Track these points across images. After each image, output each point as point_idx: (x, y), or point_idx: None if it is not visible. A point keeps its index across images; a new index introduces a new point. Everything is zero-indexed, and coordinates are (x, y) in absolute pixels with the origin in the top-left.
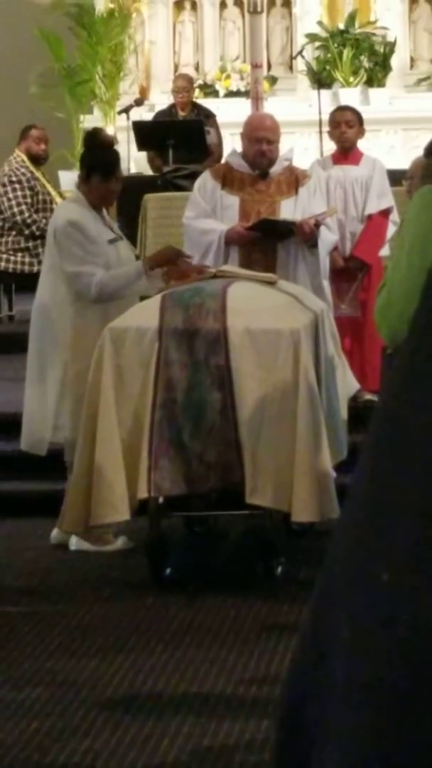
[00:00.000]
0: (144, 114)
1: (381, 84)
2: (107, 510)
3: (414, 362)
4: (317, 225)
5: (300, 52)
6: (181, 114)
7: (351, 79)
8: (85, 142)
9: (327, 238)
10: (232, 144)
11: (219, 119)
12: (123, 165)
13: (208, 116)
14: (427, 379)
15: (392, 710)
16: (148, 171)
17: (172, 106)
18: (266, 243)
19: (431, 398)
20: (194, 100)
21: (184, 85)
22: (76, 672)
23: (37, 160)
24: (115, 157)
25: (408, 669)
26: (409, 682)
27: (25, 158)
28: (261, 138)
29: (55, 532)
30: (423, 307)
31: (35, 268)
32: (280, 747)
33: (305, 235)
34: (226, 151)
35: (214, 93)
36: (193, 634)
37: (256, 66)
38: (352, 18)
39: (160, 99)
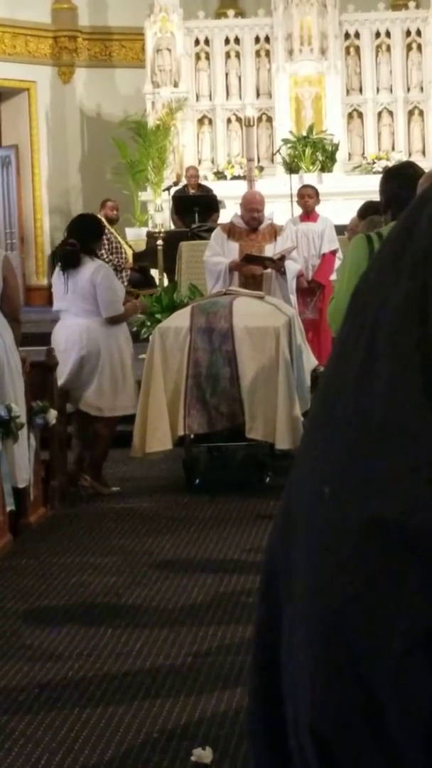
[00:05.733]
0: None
1: (330, 170)
2: (157, 442)
3: (338, 341)
4: (282, 258)
5: (278, 151)
6: (192, 191)
7: (311, 167)
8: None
9: (292, 267)
10: (235, 209)
11: (225, 194)
12: (166, 224)
13: (209, 192)
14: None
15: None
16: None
17: (185, 186)
18: (255, 273)
19: (346, 364)
20: (200, 182)
21: (193, 173)
22: (139, 545)
23: (111, 221)
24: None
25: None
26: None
27: (103, 220)
28: (252, 209)
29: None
30: (347, 311)
31: None
32: (258, 617)
33: (274, 265)
34: (223, 212)
35: (224, 177)
36: (213, 520)
37: (250, 160)
38: (311, 128)
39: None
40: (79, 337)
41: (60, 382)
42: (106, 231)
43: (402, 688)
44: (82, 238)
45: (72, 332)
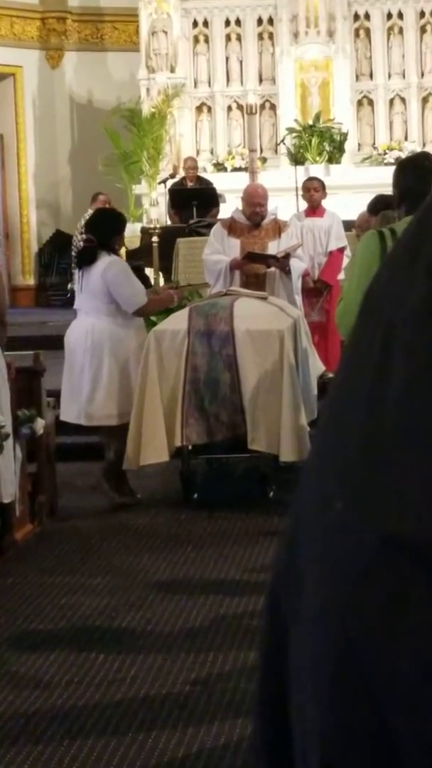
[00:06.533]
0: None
1: (338, 161)
2: (153, 454)
3: (350, 343)
4: (287, 256)
5: (282, 141)
6: (189, 184)
7: (317, 158)
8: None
9: (297, 266)
10: (236, 204)
11: (226, 187)
12: (161, 219)
13: (209, 184)
14: (357, 359)
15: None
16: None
17: (183, 178)
18: (258, 272)
19: (358, 370)
20: (199, 174)
21: (192, 164)
22: (134, 564)
23: None
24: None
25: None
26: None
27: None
28: (255, 204)
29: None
30: (359, 313)
31: None
32: (262, 636)
33: (278, 264)
34: (223, 207)
35: (224, 169)
36: (213, 538)
37: (252, 150)
38: (317, 116)
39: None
40: (85, 337)
41: (64, 386)
42: None
43: (419, 715)
44: (101, 234)
45: (79, 331)
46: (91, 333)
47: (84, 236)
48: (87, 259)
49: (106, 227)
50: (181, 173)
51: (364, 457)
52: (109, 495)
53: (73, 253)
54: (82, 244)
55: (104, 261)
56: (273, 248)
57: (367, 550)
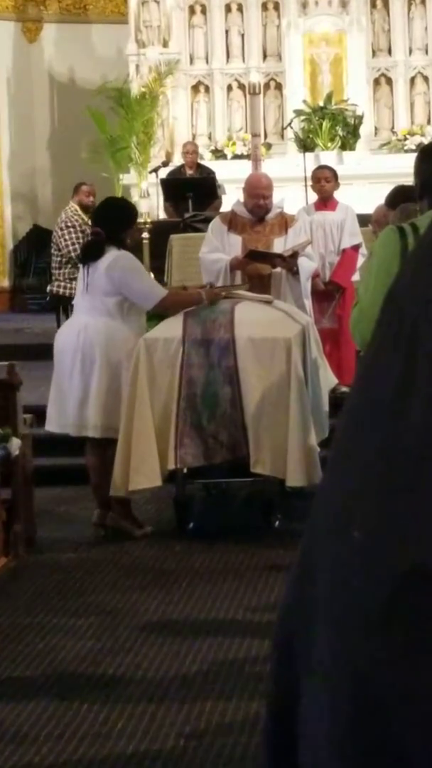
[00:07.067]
0: (167, 173)
1: (352, 148)
2: (143, 479)
3: (368, 356)
4: (294, 255)
5: (289, 124)
6: (189, 172)
7: (329, 144)
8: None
9: (306, 266)
10: (237, 195)
11: (226, 177)
12: (153, 213)
13: (210, 173)
14: (377, 370)
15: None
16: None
17: (181, 166)
18: (262, 272)
19: (377, 382)
20: (199, 161)
21: (192, 149)
22: (121, 603)
23: (86, 209)
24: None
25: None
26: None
27: (77, 208)
28: (258, 195)
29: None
30: (379, 319)
31: None
32: (272, 679)
33: (285, 263)
34: (225, 199)
35: (223, 156)
36: (211, 573)
37: (255, 135)
38: (329, 97)
39: (182, 161)
40: (76, 336)
41: (51, 392)
42: (80, 222)
43: None
44: (109, 226)
45: (71, 330)
46: (84, 332)
47: (68, 232)
48: (93, 254)
49: (115, 219)
50: (178, 160)
51: (383, 481)
52: (133, 532)
53: (53, 251)
54: (64, 241)
55: (111, 255)
56: (279, 246)
57: (389, 582)
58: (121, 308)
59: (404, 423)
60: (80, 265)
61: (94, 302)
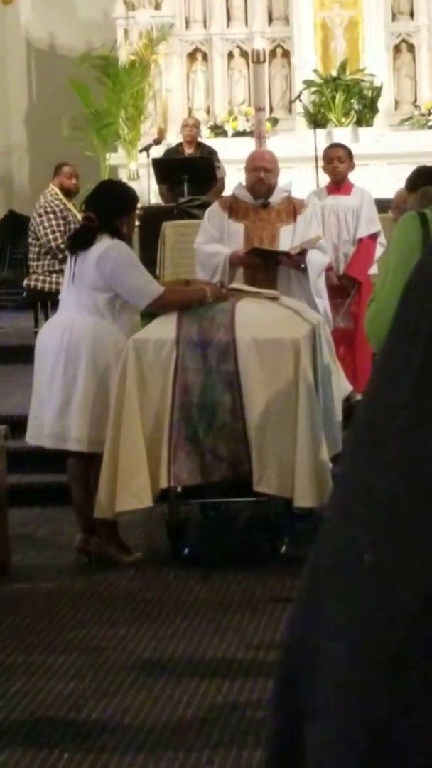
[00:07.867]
0: (161, 152)
1: (369, 124)
2: (132, 498)
3: (381, 360)
4: (302, 252)
5: (298, 97)
6: (188, 151)
7: (343, 119)
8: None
9: (316, 260)
10: (238, 178)
11: (227, 156)
12: (143, 197)
13: (211, 153)
14: (393, 377)
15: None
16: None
17: (179, 145)
18: (267, 266)
19: (391, 390)
20: (199, 139)
21: (193, 123)
22: (106, 639)
23: (68, 193)
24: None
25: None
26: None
27: (58, 191)
28: (258, 167)
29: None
30: (396, 316)
31: None
32: (274, 712)
33: (291, 262)
34: (227, 182)
35: (223, 133)
36: (208, 605)
37: (259, 109)
38: (343, 66)
39: (176, 139)
40: (60, 335)
41: (32, 399)
42: (61, 207)
43: None
44: (103, 212)
45: (54, 328)
46: (69, 331)
47: (47, 219)
48: (83, 242)
49: (110, 204)
50: (169, 139)
51: (399, 502)
52: (120, 559)
53: (30, 240)
54: (43, 229)
55: (103, 244)
56: (286, 235)
57: (405, 612)
58: (112, 306)
59: (420, 438)
60: (68, 254)
61: (81, 297)
